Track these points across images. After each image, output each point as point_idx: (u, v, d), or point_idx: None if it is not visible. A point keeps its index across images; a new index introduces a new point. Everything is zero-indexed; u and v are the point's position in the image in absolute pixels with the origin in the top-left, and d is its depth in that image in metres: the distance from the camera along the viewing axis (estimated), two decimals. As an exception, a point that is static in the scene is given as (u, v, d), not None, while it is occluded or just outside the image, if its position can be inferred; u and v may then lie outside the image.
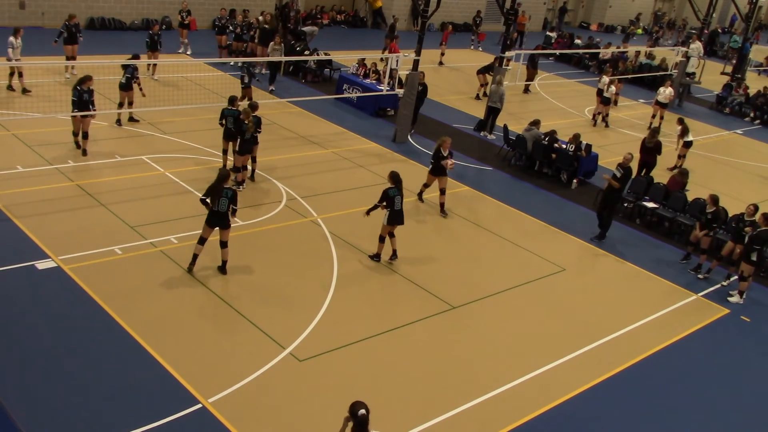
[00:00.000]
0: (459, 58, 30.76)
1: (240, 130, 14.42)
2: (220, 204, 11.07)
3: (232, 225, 11.44)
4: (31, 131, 15.86)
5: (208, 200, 11.12)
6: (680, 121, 20.41)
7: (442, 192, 14.95)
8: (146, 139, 16.76)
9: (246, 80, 18.98)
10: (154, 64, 21.40)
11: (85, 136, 14.84)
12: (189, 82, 21.60)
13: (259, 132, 14.67)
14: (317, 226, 13.72)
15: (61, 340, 9.44)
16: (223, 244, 11.41)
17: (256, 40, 24.20)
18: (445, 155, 14.61)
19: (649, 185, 17.00)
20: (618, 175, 14.66)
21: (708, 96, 31.60)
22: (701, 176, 19.63)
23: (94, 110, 14.94)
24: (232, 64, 23.75)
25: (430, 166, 14.96)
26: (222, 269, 11.51)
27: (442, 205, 15.03)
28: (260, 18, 25.45)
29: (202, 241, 11.29)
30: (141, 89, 17.33)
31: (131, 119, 17.56)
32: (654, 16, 52.82)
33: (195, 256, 11.36)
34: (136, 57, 17.54)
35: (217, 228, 11.24)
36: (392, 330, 10.78)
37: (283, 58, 22.99)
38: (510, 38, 22.80)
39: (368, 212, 12.51)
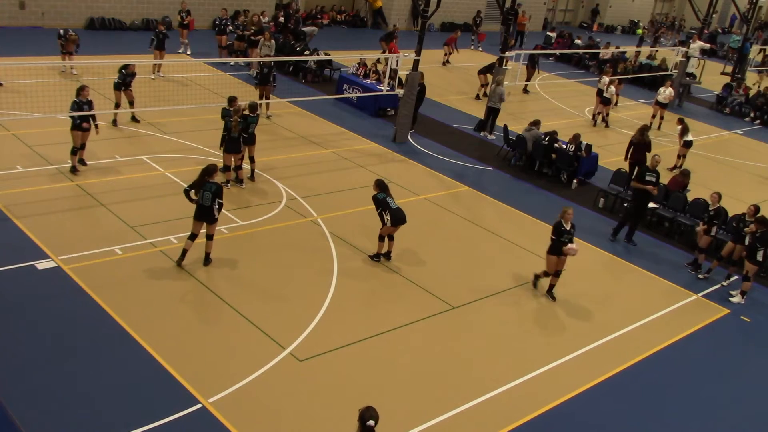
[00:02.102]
0: (459, 58, 30.75)
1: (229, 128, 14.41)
2: (203, 198, 11.17)
3: (231, 224, 11.44)
4: (31, 131, 15.86)
5: (191, 193, 11.22)
6: (680, 121, 20.40)
7: (556, 274, 12.33)
8: (146, 139, 16.76)
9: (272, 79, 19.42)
10: (159, 63, 21.45)
11: (83, 146, 14.37)
12: (189, 82, 21.60)
13: (245, 135, 14.56)
14: (317, 226, 13.72)
15: (61, 340, 9.44)
16: (209, 237, 11.54)
17: (243, 40, 24.22)
18: (567, 228, 12.10)
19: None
20: (653, 179, 14.75)
21: (708, 96, 31.60)
22: (701, 176, 19.62)
23: (96, 122, 14.40)
24: (232, 63, 23.73)
25: (550, 244, 12.27)
26: (205, 261, 11.62)
27: (551, 287, 12.44)
28: (254, 18, 25.41)
29: (192, 236, 11.40)
30: (129, 93, 17.18)
31: (133, 119, 17.56)
32: (659, 16, 53.32)
33: (184, 251, 11.45)
34: (131, 65, 17.31)
35: (204, 222, 11.37)
36: (392, 330, 10.78)
37: (281, 58, 22.95)
38: (508, 38, 22.74)
39: (384, 225, 12.41)
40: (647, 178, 14.77)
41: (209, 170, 11.31)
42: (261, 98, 18.99)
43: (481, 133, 21.26)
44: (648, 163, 16.07)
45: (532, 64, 27.64)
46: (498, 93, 20.77)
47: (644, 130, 18.22)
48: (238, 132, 14.33)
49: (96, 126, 14.42)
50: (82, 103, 14.10)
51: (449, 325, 11.21)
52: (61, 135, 14.71)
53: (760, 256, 13.12)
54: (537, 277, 12.65)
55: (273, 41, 23.19)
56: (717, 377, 11.15)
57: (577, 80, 30.87)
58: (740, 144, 25.35)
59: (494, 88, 20.98)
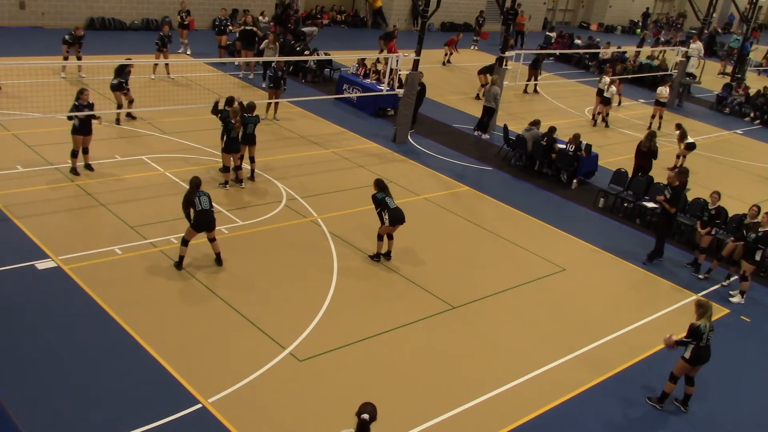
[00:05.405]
0: (459, 59, 30.76)
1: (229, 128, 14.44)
2: (202, 203, 11.15)
3: (231, 224, 11.46)
4: (31, 131, 15.86)
5: (190, 207, 11.17)
6: (678, 126, 20.37)
7: (691, 382, 10.04)
8: (146, 139, 16.76)
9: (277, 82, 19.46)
10: (166, 64, 21.43)
11: (86, 151, 14.28)
12: (189, 82, 21.60)
13: (251, 133, 14.71)
14: (317, 226, 13.72)
15: (61, 340, 9.44)
16: (212, 239, 11.55)
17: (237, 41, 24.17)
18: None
19: (649, 185, 16.98)
20: (668, 195, 14.01)
21: (708, 96, 31.59)
22: (702, 176, 19.62)
23: (97, 117, 14.36)
24: (237, 64, 23.67)
25: (691, 354, 9.69)
26: (218, 261, 11.64)
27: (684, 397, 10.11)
28: (248, 18, 25.28)
29: (185, 242, 11.35)
30: (128, 94, 17.25)
31: (128, 116, 17.52)
32: (664, 17, 53.62)
33: (181, 257, 11.44)
34: (128, 65, 17.32)
35: (204, 231, 11.36)
36: (392, 330, 10.78)
37: (281, 58, 22.89)
38: (508, 38, 22.68)
39: (382, 223, 12.40)
40: (664, 193, 14.13)
41: (197, 183, 11.26)
42: (271, 99, 19.04)
43: (476, 133, 21.24)
44: (665, 179, 15.22)
45: (535, 65, 27.56)
46: (492, 93, 20.79)
47: (652, 136, 17.92)
48: (237, 132, 14.37)
49: (98, 117, 14.39)
50: (82, 106, 13.95)
51: (449, 325, 11.21)
52: (61, 135, 14.71)
53: (758, 256, 13.11)
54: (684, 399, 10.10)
55: (277, 44, 22.86)
56: (717, 377, 11.13)
57: (577, 80, 30.87)
58: (740, 144, 25.34)
59: (488, 88, 21.02)
